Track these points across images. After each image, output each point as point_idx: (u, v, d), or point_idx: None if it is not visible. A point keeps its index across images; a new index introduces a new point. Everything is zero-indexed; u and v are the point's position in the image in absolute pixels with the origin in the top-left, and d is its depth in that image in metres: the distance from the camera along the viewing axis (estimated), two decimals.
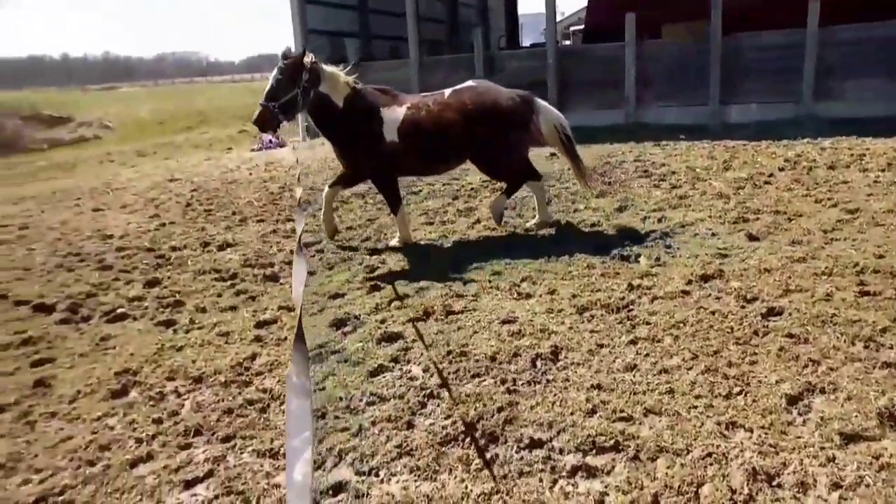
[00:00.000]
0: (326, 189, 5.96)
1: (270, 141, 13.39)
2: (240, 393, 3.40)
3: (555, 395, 3.11)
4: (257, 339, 4.10)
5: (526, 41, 28.02)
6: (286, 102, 5.20)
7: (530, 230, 5.99)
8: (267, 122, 5.23)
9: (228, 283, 5.24)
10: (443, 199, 7.59)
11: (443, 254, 5.45)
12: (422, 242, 5.90)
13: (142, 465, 2.85)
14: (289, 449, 1.48)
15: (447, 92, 5.72)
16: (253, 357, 3.82)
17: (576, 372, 3.32)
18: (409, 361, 3.59)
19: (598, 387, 3.14)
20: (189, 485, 2.69)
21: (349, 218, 7.04)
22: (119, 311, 4.71)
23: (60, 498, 2.65)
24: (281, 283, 5.15)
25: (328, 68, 5.48)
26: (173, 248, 6.26)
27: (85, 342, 4.25)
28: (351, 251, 5.81)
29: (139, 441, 3.03)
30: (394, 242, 5.85)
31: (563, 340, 3.66)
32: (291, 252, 5.90)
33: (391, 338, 3.89)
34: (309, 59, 5.30)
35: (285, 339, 4.06)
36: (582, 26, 22.45)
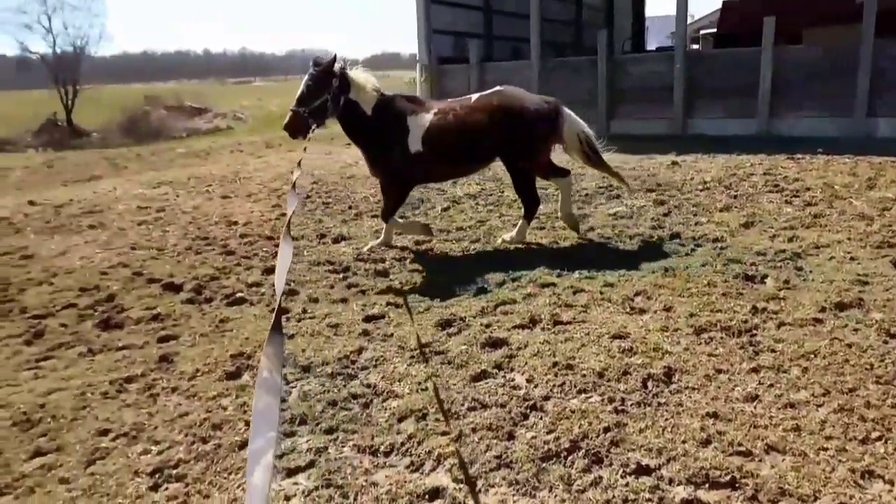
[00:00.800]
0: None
1: None
2: (345, 386, 3.46)
3: (666, 419, 2.93)
4: (365, 333, 4.16)
5: (651, 44, 27.10)
6: (316, 108, 5.30)
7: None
8: (297, 127, 5.33)
9: (341, 275, 5.36)
10: (556, 203, 7.44)
11: (553, 260, 5.32)
12: (532, 247, 5.80)
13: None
14: (251, 452, 1.35)
15: (474, 96, 5.80)
16: (359, 351, 3.87)
17: (690, 397, 3.12)
18: (512, 369, 3.52)
19: (715, 415, 2.94)
20: (291, 473, 2.75)
21: (460, 218, 7.04)
22: (238, 295, 4.95)
23: (174, 471, 2.79)
24: (391, 279, 5.21)
25: (358, 76, 5.55)
26: (293, 238, 6.50)
27: (206, 323, 4.48)
28: (460, 252, 5.81)
29: (249, 424, 3.14)
30: (373, 243, 5.97)
31: (677, 362, 3.46)
32: (403, 249, 5.98)
33: (496, 343, 3.83)
34: (339, 66, 5.38)
35: (391, 335, 4.10)
36: (714, 30, 21.41)
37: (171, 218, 7.65)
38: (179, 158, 15.15)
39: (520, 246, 5.86)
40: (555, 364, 3.50)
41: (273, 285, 5.13)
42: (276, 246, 6.22)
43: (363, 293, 4.94)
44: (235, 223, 7.23)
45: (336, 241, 6.41)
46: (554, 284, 4.75)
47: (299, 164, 4.77)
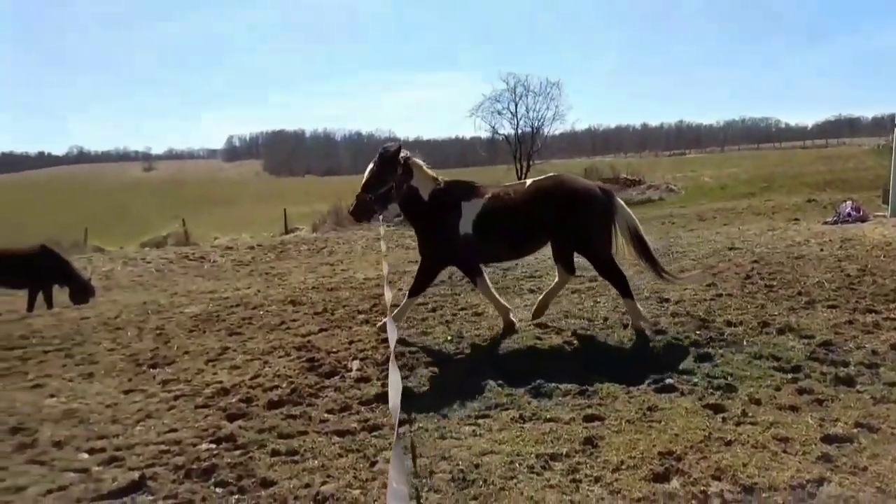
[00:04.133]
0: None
1: (849, 214, 11.78)
2: None
3: None
4: (825, 457, 3.35)
5: None
6: (381, 194, 5.62)
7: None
8: (363, 211, 5.73)
9: (790, 375, 4.56)
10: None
11: None
12: None
13: None
14: None
15: (528, 181, 5.89)
16: (820, 481, 3.10)
17: None
18: None
19: None
20: None
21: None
22: (668, 381, 4.56)
23: None
24: (858, 390, 4.21)
25: (419, 164, 5.76)
26: (728, 323, 5.86)
27: (633, 408, 4.19)
28: None
29: None
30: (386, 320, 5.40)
31: None
32: (874, 352, 4.84)
33: None
34: (403, 154, 5.62)
35: (865, 468, 3.21)
36: None
37: (602, 289, 7.69)
38: None
39: None
40: None
41: (707, 375, 4.61)
42: (711, 331, 5.67)
43: (819, 403, 4.09)
44: (667, 300, 6.87)
45: (781, 331, 5.54)
46: None
47: (387, 280, 4.96)
